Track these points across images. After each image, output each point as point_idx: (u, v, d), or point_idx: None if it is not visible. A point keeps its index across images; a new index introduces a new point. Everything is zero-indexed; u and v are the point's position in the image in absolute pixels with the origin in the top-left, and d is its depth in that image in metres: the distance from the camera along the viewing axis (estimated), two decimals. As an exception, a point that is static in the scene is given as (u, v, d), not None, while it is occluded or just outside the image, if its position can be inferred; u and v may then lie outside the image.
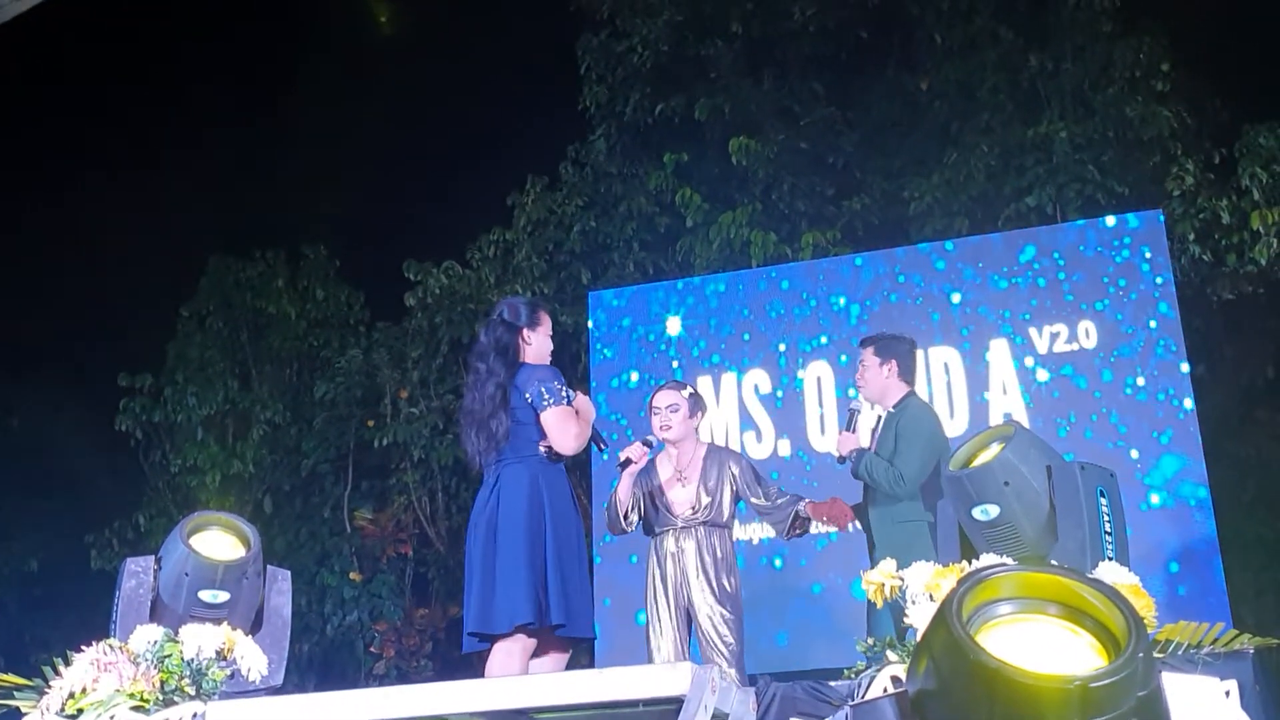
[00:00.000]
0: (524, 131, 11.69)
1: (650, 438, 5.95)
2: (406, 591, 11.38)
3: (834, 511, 5.95)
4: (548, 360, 5.19)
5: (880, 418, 6.02)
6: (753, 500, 6.01)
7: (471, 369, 5.20)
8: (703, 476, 5.97)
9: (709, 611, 5.76)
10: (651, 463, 6.03)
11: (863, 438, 6.07)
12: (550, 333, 5.26)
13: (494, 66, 11.97)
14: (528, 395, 4.95)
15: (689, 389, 6.13)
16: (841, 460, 5.98)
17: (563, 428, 4.92)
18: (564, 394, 4.98)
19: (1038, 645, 2.19)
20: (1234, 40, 9.72)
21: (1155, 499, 8.07)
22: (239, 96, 12.11)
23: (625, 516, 5.90)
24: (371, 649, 11.05)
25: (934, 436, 5.86)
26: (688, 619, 5.83)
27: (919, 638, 2.42)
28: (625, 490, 5.86)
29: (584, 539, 5.13)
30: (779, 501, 6.00)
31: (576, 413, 5.01)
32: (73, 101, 11.75)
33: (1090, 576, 2.25)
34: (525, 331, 5.14)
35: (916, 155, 10.55)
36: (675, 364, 9.21)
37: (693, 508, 5.92)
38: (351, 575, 11.24)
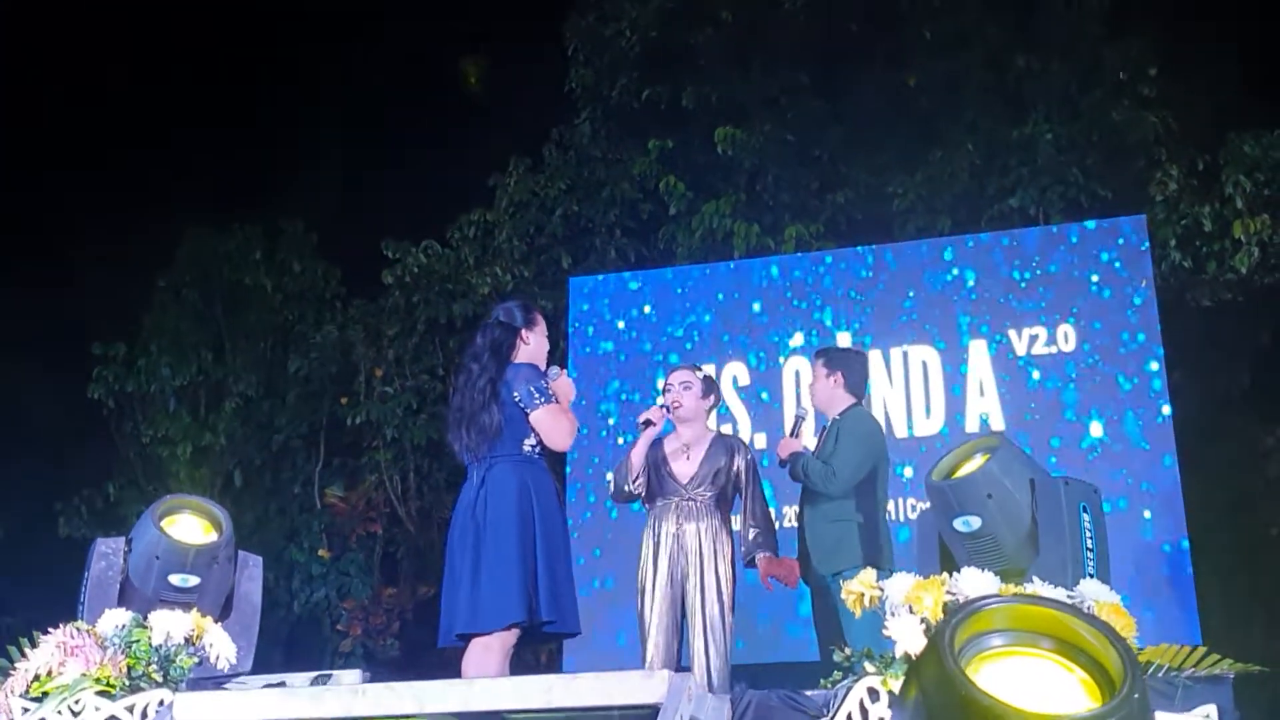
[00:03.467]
0: (508, 112, 11.59)
1: (668, 405, 6.01)
2: (375, 570, 11.32)
3: (782, 572, 6.03)
4: (543, 360, 5.19)
5: (828, 425, 6.12)
6: (736, 515, 6.05)
7: (463, 369, 5.18)
8: (708, 457, 6.01)
9: (703, 599, 5.74)
10: (658, 437, 6.07)
11: (806, 444, 6.22)
12: (545, 333, 5.26)
13: (481, 45, 11.88)
14: (516, 395, 4.95)
15: (703, 371, 6.23)
16: (782, 464, 6.09)
17: (554, 425, 4.95)
18: (551, 393, 4.98)
19: (1029, 681, 2.16)
20: (1221, 48, 9.70)
21: (1127, 502, 8.08)
22: (219, 69, 11.97)
23: (634, 479, 5.94)
24: (339, 627, 11.00)
25: (872, 439, 5.98)
26: (681, 603, 5.81)
27: (910, 666, 2.40)
28: (640, 453, 5.93)
29: (568, 536, 5.11)
30: (750, 535, 6.03)
31: (564, 408, 5.02)
32: (53, 73, 11.61)
33: (1086, 613, 2.22)
34: (524, 332, 5.15)
35: (902, 151, 10.51)
36: (653, 353, 9.16)
37: (695, 479, 5.95)
38: (320, 552, 11.18)
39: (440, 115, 11.96)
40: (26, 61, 11.04)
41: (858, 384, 6.14)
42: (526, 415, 4.95)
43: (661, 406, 5.99)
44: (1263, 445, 9.56)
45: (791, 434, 6.16)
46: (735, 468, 6.02)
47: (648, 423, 5.91)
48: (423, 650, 11.00)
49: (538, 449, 5.00)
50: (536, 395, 4.93)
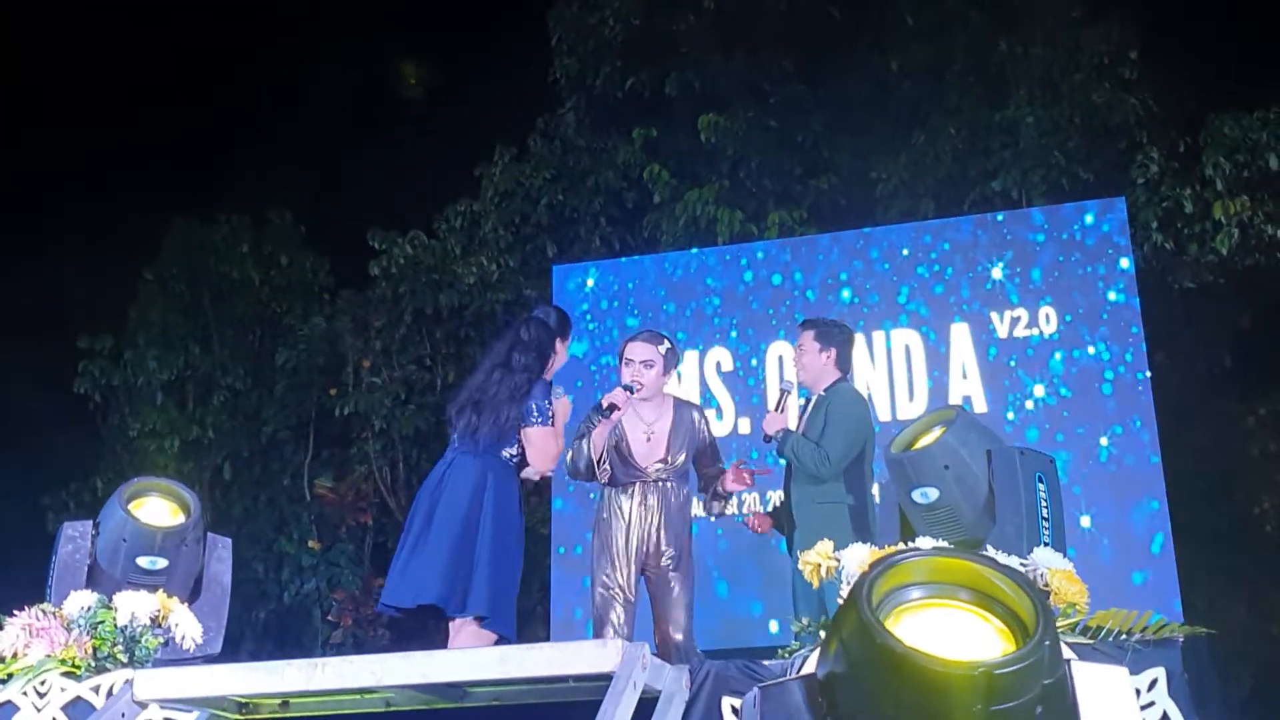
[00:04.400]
0: (493, 102, 11.61)
1: (631, 385, 5.72)
2: (365, 561, 11.35)
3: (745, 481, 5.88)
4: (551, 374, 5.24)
5: (811, 400, 6.02)
6: (700, 463, 5.92)
7: (495, 354, 5.20)
8: (674, 431, 5.82)
9: (667, 575, 5.63)
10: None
11: (790, 419, 6.09)
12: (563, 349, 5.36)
13: (465, 35, 11.89)
14: (529, 411, 5.00)
15: (666, 343, 5.90)
16: (768, 439, 5.98)
17: (544, 447, 4.99)
18: (550, 414, 5.02)
19: (947, 631, 2.18)
20: (1201, 29, 9.71)
21: (1106, 482, 8.10)
22: (206, 59, 11.99)
23: (599, 463, 5.68)
24: (329, 617, 11.02)
25: (861, 421, 5.89)
26: (640, 577, 5.70)
27: (832, 619, 2.42)
28: (601, 436, 5.65)
29: (520, 541, 5.05)
30: (710, 471, 5.92)
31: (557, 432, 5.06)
32: (38, 65, 11.62)
33: (1001, 563, 2.24)
34: (558, 342, 5.24)
35: (884, 136, 10.54)
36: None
37: (661, 461, 5.76)
38: (310, 543, 11.20)
39: (427, 106, 11.99)
40: (9, 54, 11.04)
41: (846, 359, 6.05)
42: (519, 428, 4.98)
43: (625, 388, 5.69)
44: (1244, 425, 9.59)
45: (777, 409, 6.00)
46: (700, 434, 5.85)
47: (612, 407, 5.61)
48: (413, 640, 11.02)
49: (515, 459, 5.03)
50: (536, 414, 4.97)
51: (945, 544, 3.70)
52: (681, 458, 5.81)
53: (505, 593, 4.86)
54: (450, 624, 4.88)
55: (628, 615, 5.62)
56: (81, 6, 11.44)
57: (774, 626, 8.16)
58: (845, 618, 2.19)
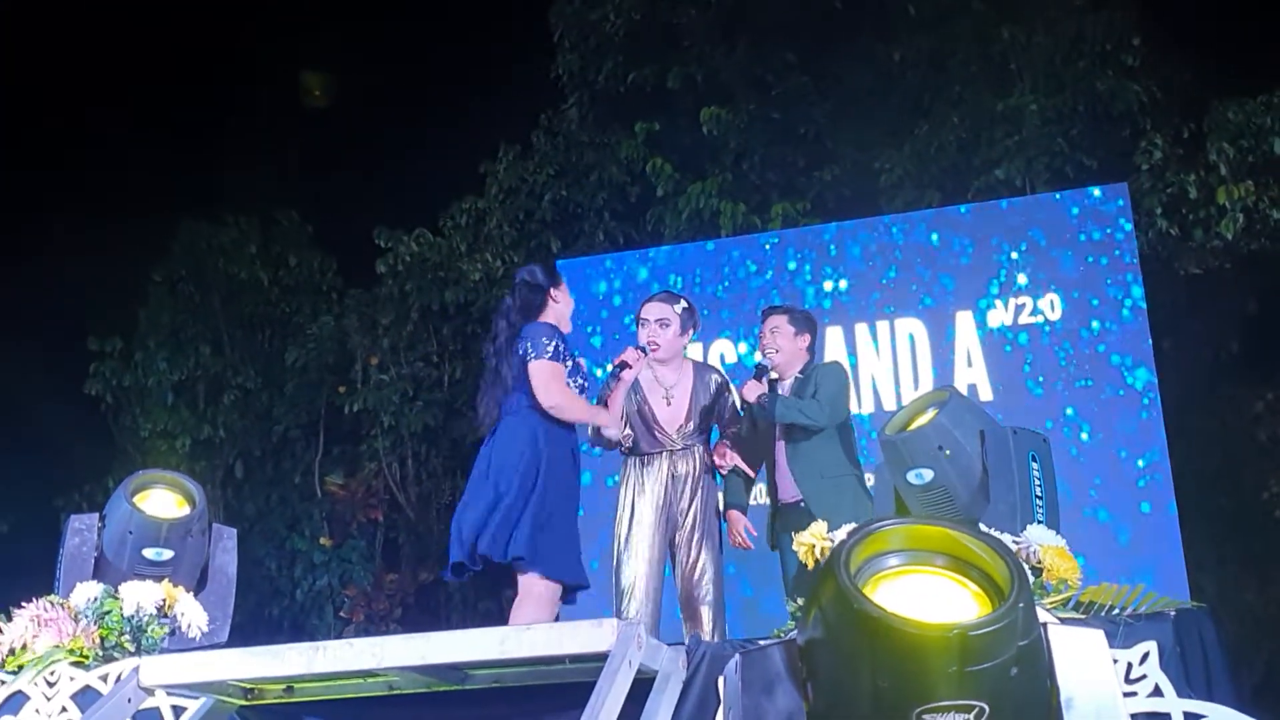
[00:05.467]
0: (497, 99, 11.65)
1: (645, 345, 5.62)
2: (377, 557, 11.41)
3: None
4: (567, 318, 5.22)
5: (788, 382, 6.00)
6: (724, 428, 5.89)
7: (492, 328, 5.25)
8: (694, 395, 5.77)
9: (699, 552, 5.61)
10: (635, 379, 5.66)
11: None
12: (568, 291, 5.29)
13: (467, 32, 11.93)
14: (523, 348, 5.00)
15: (683, 302, 5.79)
16: (744, 406, 5.90)
17: (544, 382, 4.93)
18: (554, 350, 4.99)
19: (924, 596, 2.22)
20: (1204, 15, 9.70)
21: (1116, 469, 8.12)
22: (208, 59, 12.04)
23: (623, 428, 5.62)
24: (341, 613, 11.09)
25: (847, 385, 5.99)
26: (670, 549, 5.65)
27: (810, 588, 2.46)
28: (617, 399, 5.50)
29: (575, 487, 5.07)
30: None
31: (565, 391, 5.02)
32: (44, 67, 11.69)
33: (976, 529, 2.28)
34: (552, 290, 5.17)
35: (888, 126, 10.54)
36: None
37: (679, 428, 5.72)
38: (322, 540, 11.26)
39: (431, 104, 12.02)
40: (11, 54, 11.11)
41: (814, 348, 6.11)
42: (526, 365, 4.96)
43: (638, 348, 5.56)
44: (1252, 410, 9.58)
45: (756, 379, 5.90)
46: (723, 399, 5.80)
47: (623, 365, 5.46)
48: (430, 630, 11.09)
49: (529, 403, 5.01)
50: (533, 350, 4.96)
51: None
52: (701, 420, 5.76)
53: (551, 536, 4.85)
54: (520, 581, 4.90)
55: (653, 587, 5.58)
56: (84, 6, 11.49)
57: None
58: (824, 585, 2.22)
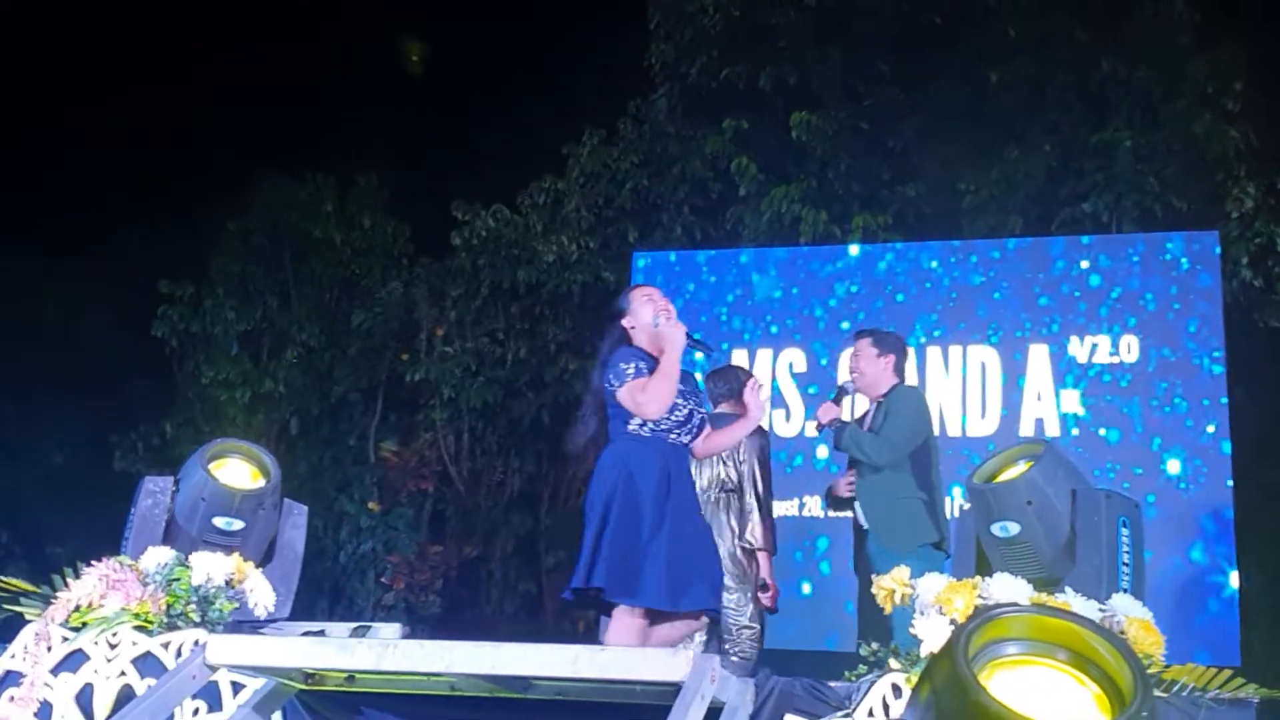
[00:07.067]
0: (586, 83, 11.60)
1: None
2: (423, 527, 11.44)
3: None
4: (650, 328, 5.02)
5: (871, 407, 6.07)
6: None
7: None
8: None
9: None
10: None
11: (845, 417, 6.15)
12: (644, 299, 5.10)
13: (563, 14, 11.89)
14: (608, 380, 4.93)
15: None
16: (819, 428, 6.04)
17: (633, 400, 4.84)
18: (634, 371, 4.88)
19: (1042, 691, 2.17)
20: (1310, 66, 9.55)
21: (1176, 517, 8.02)
22: (310, 15, 12.07)
23: None
24: (383, 579, 11.12)
25: (922, 414, 5.99)
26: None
27: (925, 666, 2.41)
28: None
29: (655, 509, 4.80)
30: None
31: (646, 384, 4.86)
32: (146, 21, 11.74)
33: (1103, 627, 2.22)
34: (624, 318, 5.08)
35: (977, 147, 10.39)
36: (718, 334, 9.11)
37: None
38: (370, 505, 11.29)
39: (518, 81, 12.00)
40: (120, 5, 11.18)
41: (902, 367, 6.13)
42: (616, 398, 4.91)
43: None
44: (1318, 471, 9.43)
45: (834, 402, 6.06)
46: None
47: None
48: (463, 608, 11.12)
49: (644, 425, 4.88)
50: (613, 378, 4.88)
51: (1022, 580, 3.68)
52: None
53: (619, 562, 4.72)
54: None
55: None
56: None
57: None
58: (939, 666, 2.17)
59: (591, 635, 9.13)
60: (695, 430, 4.98)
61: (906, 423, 5.85)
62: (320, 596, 10.85)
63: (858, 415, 6.32)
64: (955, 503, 8.03)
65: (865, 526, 5.89)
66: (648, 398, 4.83)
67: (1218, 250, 8.57)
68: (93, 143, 11.22)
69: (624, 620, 4.70)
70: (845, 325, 8.84)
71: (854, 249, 9.34)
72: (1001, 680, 2.16)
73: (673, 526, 4.76)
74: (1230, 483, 8.05)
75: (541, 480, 11.38)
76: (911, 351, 8.30)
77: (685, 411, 4.94)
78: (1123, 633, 3.56)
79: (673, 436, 4.90)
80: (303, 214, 11.79)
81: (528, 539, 11.26)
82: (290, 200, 11.78)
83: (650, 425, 4.86)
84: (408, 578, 11.07)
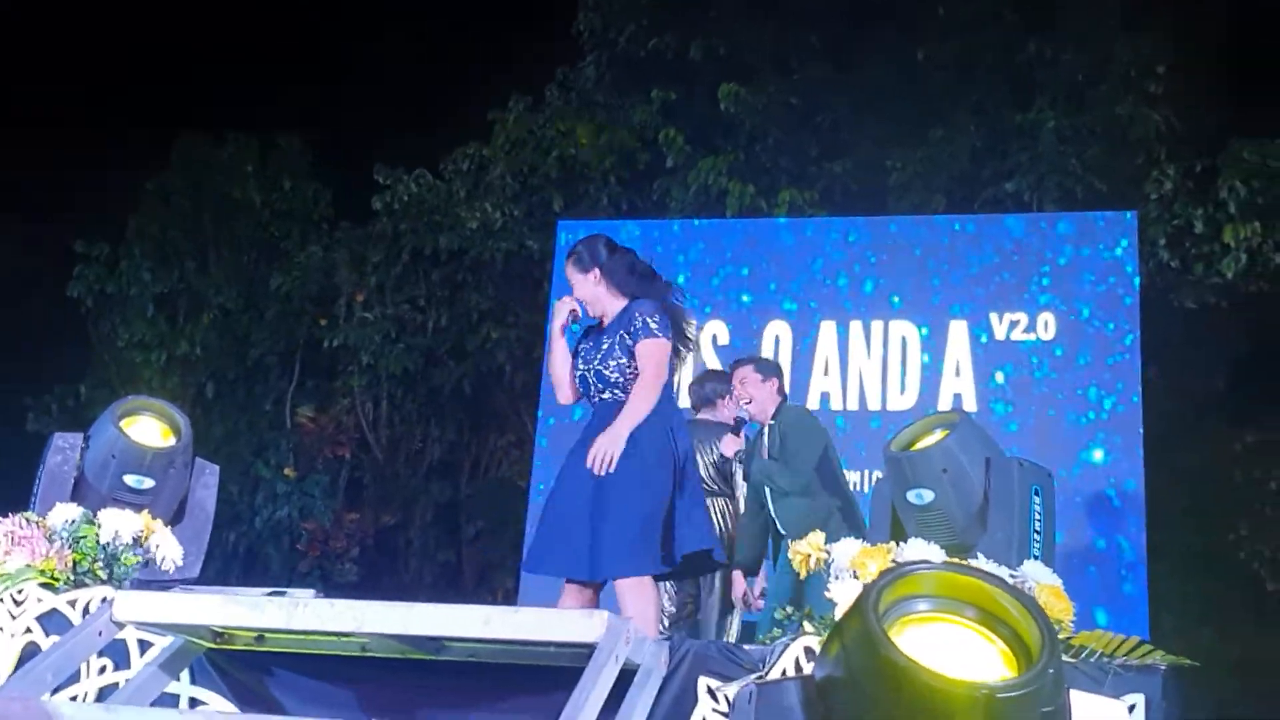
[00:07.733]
0: (514, 48, 11.51)
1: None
2: (339, 494, 11.35)
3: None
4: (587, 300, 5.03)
5: (763, 430, 6.15)
6: None
7: None
8: None
9: None
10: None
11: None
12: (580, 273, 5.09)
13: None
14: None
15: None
16: (725, 460, 6.28)
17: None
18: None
19: (950, 647, 2.17)
20: (1232, 51, 9.66)
21: (1089, 495, 8.11)
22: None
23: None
24: (298, 546, 11.03)
25: (815, 428, 6.17)
26: None
27: (835, 623, 2.41)
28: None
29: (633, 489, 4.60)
30: None
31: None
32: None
33: (1012, 585, 2.23)
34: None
35: (905, 126, 10.44)
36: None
37: None
38: (286, 471, 11.19)
39: (444, 46, 11.88)
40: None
41: (784, 388, 6.30)
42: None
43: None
44: (1231, 450, 9.60)
45: (735, 433, 6.24)
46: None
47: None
48: (381, 576, 11.05)
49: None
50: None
51: (935, 546, 3.70)
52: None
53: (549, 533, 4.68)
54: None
55: None
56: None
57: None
58: (849, 623, 2.18)
59: (510, 604, 9.12)
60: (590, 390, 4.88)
61: (806, 442, 6.01)
62: (234, 562, 10.75)
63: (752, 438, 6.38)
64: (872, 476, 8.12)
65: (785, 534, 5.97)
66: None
67: (1136, 231, 8.65)
68: (5, 98, 10.96)
69: (572, 596, 4.67)
70: (767, 300, 8.84)
71: (780, 221, 9.35)
72: (911, 636, 2.16)
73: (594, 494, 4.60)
74: (1142, 461, 8.15)
75: (462, 449, 11.33)
76: (858, 328, 8.49)
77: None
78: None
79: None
80: (223, 174, 11.62)
81: (448, 508, 11.20)
82: (210, 160, 11.60)
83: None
84: (323, 545, 10.99)
